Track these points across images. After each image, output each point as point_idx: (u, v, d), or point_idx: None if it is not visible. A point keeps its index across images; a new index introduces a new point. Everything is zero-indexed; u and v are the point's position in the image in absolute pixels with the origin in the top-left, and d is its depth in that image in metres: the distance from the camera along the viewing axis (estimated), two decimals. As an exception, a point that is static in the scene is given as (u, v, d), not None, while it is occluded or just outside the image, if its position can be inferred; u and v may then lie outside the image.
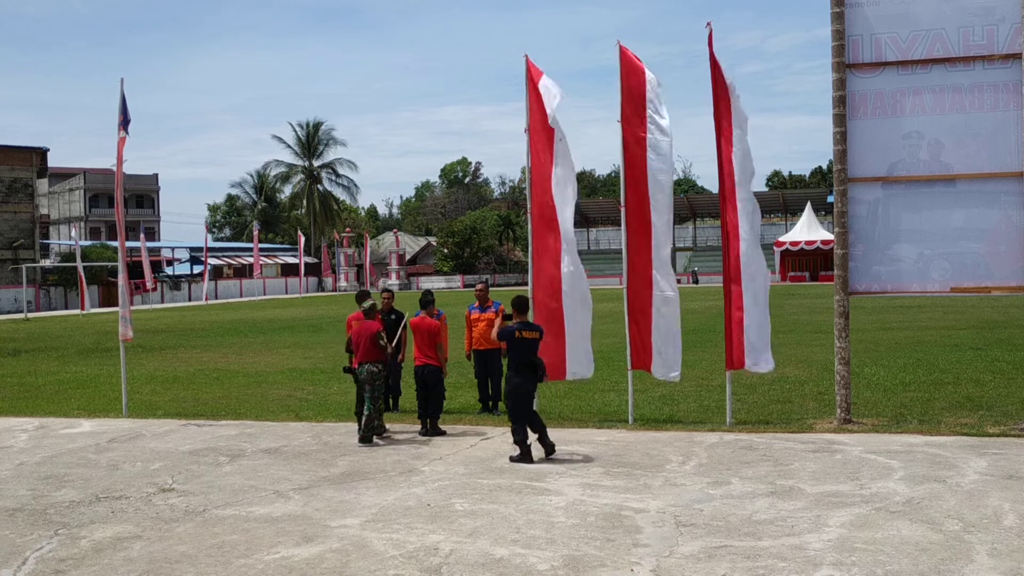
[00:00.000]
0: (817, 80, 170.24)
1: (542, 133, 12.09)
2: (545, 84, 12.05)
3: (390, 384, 12.57)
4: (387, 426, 11.66)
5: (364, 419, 11.03)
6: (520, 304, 10.55)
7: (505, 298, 16.41)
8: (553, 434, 11.28)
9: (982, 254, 11.31)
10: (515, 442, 9.85)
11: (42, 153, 57.77)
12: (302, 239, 75.16)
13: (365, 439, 10.92)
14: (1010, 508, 7.57)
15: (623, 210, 11.93)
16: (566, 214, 11.92)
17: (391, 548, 6.92)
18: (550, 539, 7.04)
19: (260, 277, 74.06)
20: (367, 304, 11.59)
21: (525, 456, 9.74)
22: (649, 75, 11.73)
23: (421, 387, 11.46)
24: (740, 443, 10.47)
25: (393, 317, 12.69)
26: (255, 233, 72.83)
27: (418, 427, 11.66)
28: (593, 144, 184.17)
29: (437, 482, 8.99)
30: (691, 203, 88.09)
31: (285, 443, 11.17)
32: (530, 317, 12.20)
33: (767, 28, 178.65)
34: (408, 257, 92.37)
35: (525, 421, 9.89)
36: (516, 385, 9.97)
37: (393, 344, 11.92)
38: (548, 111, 11.86)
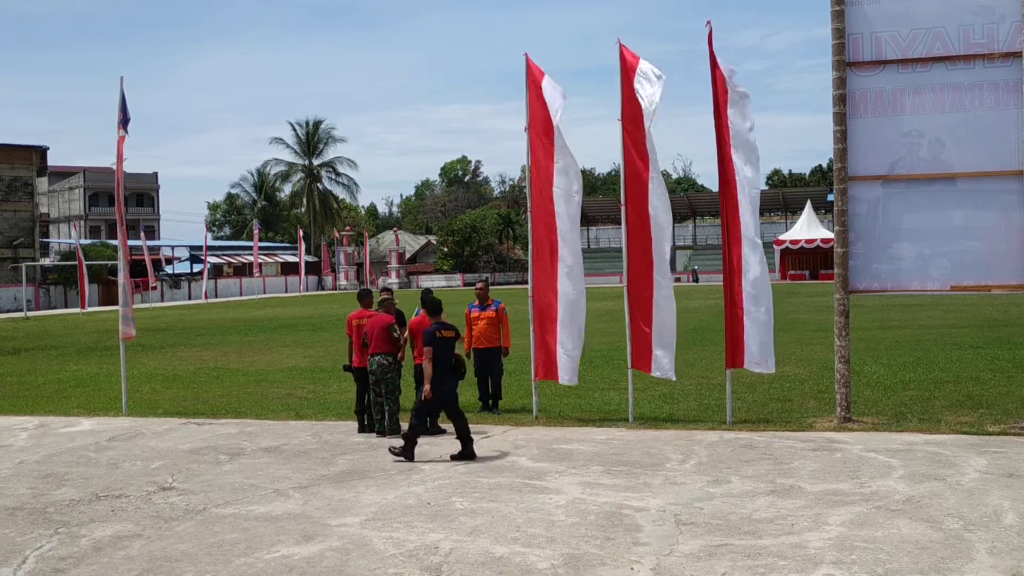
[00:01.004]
0: (817, 79, 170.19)
1: (543, 135, 12.07)
2: (548, 87, 12.01)
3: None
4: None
5: (387, 415, 11.26)
6: (433, 306, 10.72)
7: (505, 297, 16.48)
8: (553, 432, 11.33)
9: (982, 252, 11.30)
10: (404, 435, 10.00)
11: (42, 151, 57.77)
12: (302, 238, 75.18)
13: (394, 431, 11.11)
14: (1010, 506, 7.57)
15: (623, 208, 11.93)
16: (571, 211, 11.90)
17: (391, 547, 6.92)
18: (550, 538, 7.04)
19: (260, 276, 74.07)
20: (380, 298, 11.84)
21: (408, 452, 9.87)
22: (643, 69, 11.61)
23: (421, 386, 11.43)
24: (740, 441, 10.47)
25: (392, 316, 12.68)
26: (255, 232, 72.90)
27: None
28: (593, 143, 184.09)
29: (437, 481, 8.99)
30: (691, 202, 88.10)
31: (285, 442, 11.18)
32: (529, 316, 12.26)
33: (767, 26, 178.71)
34: (408, 256, 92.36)
35: (427, 420, 10.13)
36: (451, 387, 10.17)
37: (405, 335, 11.92)
38: (553, 120, 11.85)
